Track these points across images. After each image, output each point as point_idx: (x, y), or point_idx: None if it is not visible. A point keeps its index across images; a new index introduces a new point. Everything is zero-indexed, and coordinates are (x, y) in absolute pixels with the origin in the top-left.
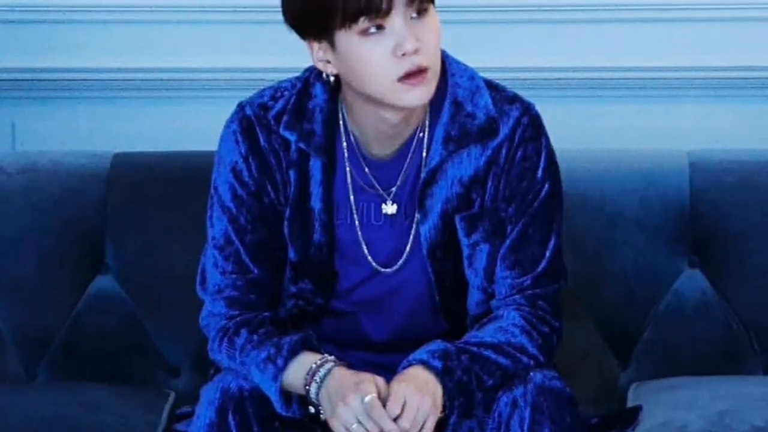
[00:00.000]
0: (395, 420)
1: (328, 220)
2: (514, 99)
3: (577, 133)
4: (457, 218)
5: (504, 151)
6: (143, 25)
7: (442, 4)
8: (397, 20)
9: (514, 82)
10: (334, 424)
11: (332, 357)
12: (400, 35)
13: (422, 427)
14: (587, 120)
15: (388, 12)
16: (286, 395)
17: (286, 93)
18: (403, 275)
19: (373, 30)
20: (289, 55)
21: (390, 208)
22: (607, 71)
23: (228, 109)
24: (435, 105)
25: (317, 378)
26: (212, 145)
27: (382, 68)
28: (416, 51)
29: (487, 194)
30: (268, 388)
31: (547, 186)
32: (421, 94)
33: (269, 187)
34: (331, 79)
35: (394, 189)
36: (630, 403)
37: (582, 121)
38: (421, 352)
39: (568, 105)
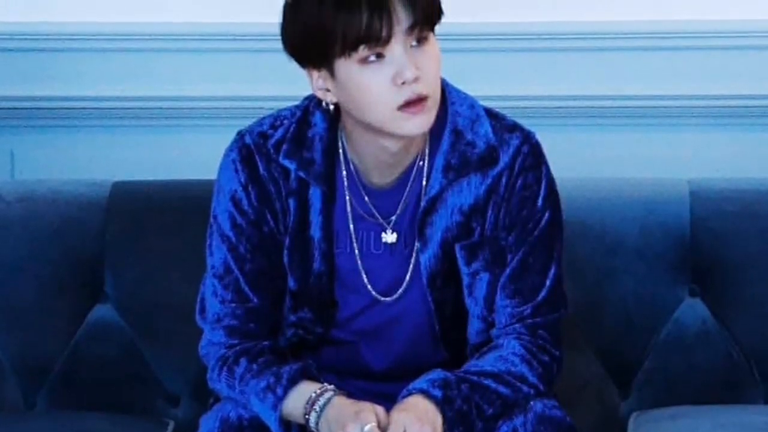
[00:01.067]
0: None
1: (328, 248)
2: (514, 127)
3: (577, 162)
4: (457, 247)
5: (504, 180)
6: (142, 53)
7: (442, 32)
8: (397, 48)
9: (515, 111)
10: None
11: (332, 386)
12: (400, 63)
13: None
14: (587, 148)
15: (387, 40)
16: (286, 424)
17: (285, 121)
18: (402, 304)
19: (372, 58)
20: (289, 83)
21: (390, 237)
22: (608, 99)
23: (227, 138)
24: (435, 133)
25: (317, 407)
26: (212, 174)
27: (382, 96)
28: (416, 79)
29: (487, 223)
30: (267, 417)
31: (547, 215)
32: (420, 122)
33: (269, 216)
34: (331, 107)
35: (393, 218)
36: None
37: (582, 149)
38: (421, 381)
39: (568, 133)
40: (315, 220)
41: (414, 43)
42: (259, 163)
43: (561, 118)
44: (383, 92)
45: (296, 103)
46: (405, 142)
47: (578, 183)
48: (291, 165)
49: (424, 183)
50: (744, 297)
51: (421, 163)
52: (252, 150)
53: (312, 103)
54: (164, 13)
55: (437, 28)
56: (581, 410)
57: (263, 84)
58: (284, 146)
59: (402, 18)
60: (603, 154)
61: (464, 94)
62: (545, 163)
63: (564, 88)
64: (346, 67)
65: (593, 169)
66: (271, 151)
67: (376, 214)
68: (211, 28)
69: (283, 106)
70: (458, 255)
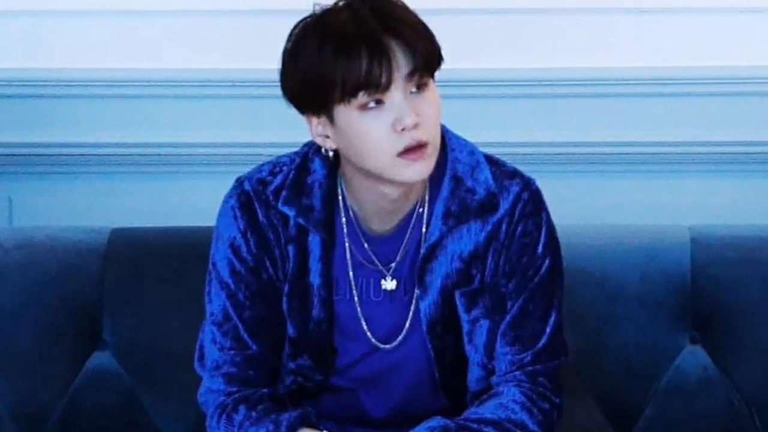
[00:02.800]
0: None
1: (327, 296)
2: (514, 174)
3: (577, 208)
4: (457, 294)
5: (504, 227)
6: (141, 99)
7: (442, 78)
8: (397, 95)
9: (515, 157)
10: None
11: None
12: (400, 110)
13: None
14: (588, 195)
15: (387, 87)
16: None
17: (284, 168)
18: (402, 351)
19: (372, 105)
20: (288, 129)
21: (389, 284)
22: (608, 146)
23: (226, 185)
24: (435, 180)
25: None
26: (210, 221)
27: (382, 143)
28: (416, 126)
29: (487, 270)
30: None
31: (547, 261)
32: (420, 169)
33: (268, 263)
34: (330, 153)
35: (393, 264)
36: None
37: (583, 196)
38: (420, 429)
39: (568, 180)
40: (314, 267)
41: (414, 89)
42: (258, 210)
43: (561, 164)
44: (383, 139)
45: (296, 149)
46: (405, 188)
47: (579, 230)
48: (290, 212)
49: (423, 230)
50: (745, 344)
51: (420, 209)
52: (251, 197)
53: (311, 149)
54: (163, 60)
55: (437, 73)
56: None
57: (262, 130)
58: (283, 193)
59: (402, 64)
60: (603, 201)
61: (464, 140)
62: (545, 209)
63: (564, 134)
64: (346, 113)
65: (594, 216)
66: (270, 197)
67: (376, 261)
68: (210, 74)
69: (283, 152)
70: (458, 302)
